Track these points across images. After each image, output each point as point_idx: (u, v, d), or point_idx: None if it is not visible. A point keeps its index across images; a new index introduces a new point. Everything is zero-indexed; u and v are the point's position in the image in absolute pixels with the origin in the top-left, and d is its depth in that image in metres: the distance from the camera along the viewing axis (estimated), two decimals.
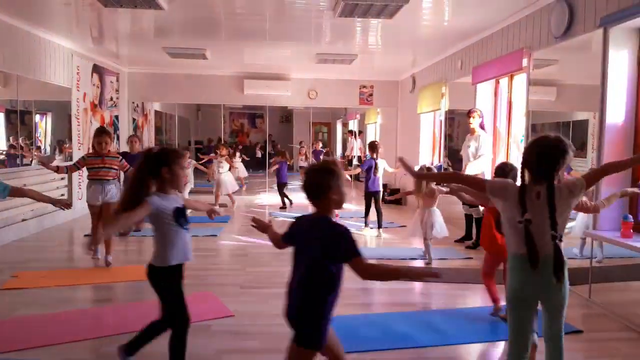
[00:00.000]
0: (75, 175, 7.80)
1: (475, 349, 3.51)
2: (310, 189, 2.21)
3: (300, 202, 10.03)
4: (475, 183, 2.71)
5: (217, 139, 15.97)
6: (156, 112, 13.61)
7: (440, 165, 8.41)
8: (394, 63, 9.73)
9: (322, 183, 2.16)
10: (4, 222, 6.33)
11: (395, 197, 9.22)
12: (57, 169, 5.49)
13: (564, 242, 2.34)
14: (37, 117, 7.49)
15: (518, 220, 2.31)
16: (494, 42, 6.52)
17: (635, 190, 3.63)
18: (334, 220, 2.19)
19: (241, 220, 8.42)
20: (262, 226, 2.51)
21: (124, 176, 5.82)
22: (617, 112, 4.35)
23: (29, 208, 6.83)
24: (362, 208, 7.64)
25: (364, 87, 11.65)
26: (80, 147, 8.43)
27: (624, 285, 4.99)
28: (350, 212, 9.10)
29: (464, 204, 6.19)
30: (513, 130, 6.42)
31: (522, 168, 2.40)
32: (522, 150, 2.52)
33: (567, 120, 5.59)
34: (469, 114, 6.36)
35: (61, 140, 8.25)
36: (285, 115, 19.03)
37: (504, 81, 6.63)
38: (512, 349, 2.43)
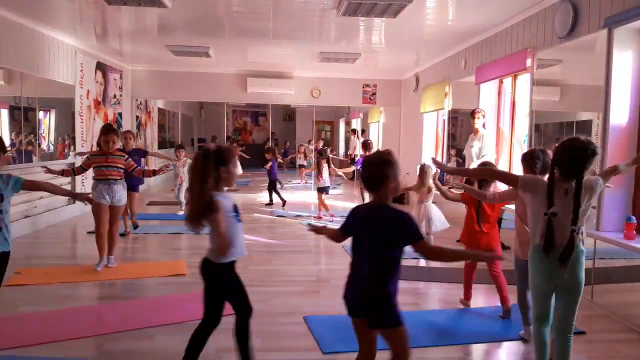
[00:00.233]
0: None
1: (475, 349, 3.50)
2: (368, 180, 2.30)
3: (295, 200, 10.13)
4: (509, 178, 2.96)
5: (211, 138, 16.00)
6: (159, 109, 13.64)
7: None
8: (398, 62, 9.72)
9: (380, 174, 2.25)
10: None
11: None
12: (63, 173, 5.40)
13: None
14: (41, 114, 7.51)
15: (544, 212, 2.54)
16: (498, 42, 6.51)
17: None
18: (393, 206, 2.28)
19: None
20: (317, 230, 2.68)
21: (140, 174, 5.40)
22: (621, 113, 4.33)
23: (32, 205, 6.86)
24: None
25: (367, 86, 11.64)
26: (83, 144, 8.46)
27: (626, 286, 4.99)
28: (345, 210, 9.04)
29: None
30: (516, 130, 6.41)
31: (552, 166, 2.61)
32: (553, 150, 2.74)
33: (571, 121, 5.57)
34: (472, 114, 6.35)
35: (73, 137, 8.24)
36: (288, 114, 19.06)
37: (507, 81, 6.61)
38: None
